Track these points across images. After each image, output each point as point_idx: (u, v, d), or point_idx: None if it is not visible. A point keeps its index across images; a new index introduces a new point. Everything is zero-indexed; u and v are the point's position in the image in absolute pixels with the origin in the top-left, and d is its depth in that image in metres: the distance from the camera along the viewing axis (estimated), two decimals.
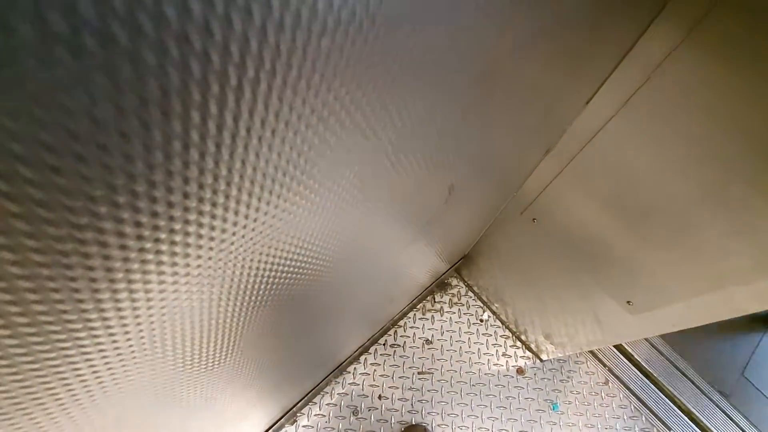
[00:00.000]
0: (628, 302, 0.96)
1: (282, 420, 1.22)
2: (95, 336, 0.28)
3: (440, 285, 1.53)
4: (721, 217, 0.72)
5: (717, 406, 1.43)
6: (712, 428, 1.39)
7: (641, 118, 0.74)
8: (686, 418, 1.40)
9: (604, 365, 1.45)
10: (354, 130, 0.33)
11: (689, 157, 0.71)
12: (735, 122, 0.63)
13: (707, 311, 0.84)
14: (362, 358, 1.38)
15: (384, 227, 0.58)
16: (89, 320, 0.26)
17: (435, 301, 1.50)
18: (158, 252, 0.26)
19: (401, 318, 1.45)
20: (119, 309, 0.27)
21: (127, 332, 0.30)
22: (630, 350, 1.48)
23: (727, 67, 0.60)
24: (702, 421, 1.40)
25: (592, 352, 1.47)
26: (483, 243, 1.35)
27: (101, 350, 0.29)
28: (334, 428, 1.27)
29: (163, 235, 0.25)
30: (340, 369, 1.32)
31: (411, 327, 1.45)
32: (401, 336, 1.43)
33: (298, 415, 1.28)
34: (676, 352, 1.51)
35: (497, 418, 1.33)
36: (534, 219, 1.08)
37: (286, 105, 0.25)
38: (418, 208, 0.63)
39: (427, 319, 1.47)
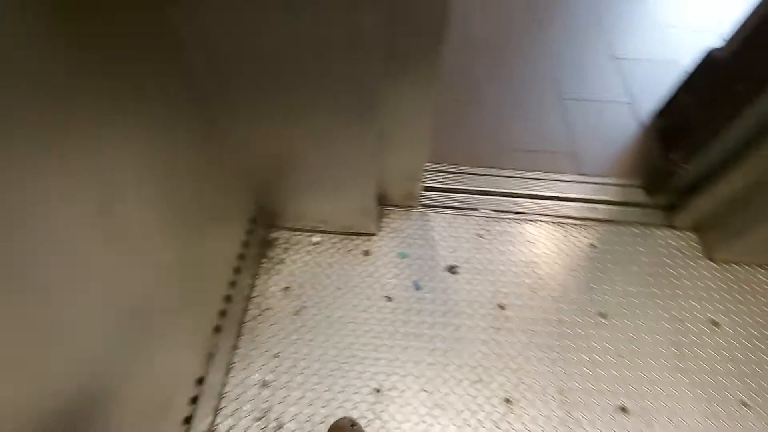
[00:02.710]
0: None
1: None
2: None
3: (263, 244, 1.57)
4: None
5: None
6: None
7: None
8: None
9: (424, 206, 1.68)
10: None
11: None
12: None
13: None
14: (235, 353, 1.34)
15: None
16: None
17: (270, 259, 1.54)
18: None
19: (250, 292, 1.46)
20: None
21: None
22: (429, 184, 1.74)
23: None
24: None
25: (398, 204, 1.68)
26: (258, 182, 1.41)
27: None
28: None
29: None
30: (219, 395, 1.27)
31: (263, 292, 1.46)
32: (258, 307, 1.43)
33: None
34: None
35: (369, 298, 1.45)
36: None
37: None
38: None
39: (274, 275, 1.50)
